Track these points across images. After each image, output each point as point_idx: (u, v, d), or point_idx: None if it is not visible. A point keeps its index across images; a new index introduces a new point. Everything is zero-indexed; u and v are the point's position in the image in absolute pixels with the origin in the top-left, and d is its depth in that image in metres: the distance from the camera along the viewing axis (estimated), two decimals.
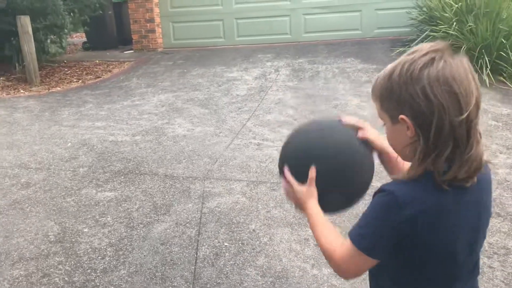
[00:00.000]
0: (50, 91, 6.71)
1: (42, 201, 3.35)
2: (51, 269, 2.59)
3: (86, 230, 2.97)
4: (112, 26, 10.05)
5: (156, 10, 8.82)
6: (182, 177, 3.63)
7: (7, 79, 7.23)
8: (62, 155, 4.15)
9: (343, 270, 1.14)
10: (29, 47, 6.77)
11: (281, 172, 1.30)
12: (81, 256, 2.70)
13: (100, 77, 7.34)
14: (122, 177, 3.67)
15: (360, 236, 1.08)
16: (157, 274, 2.52)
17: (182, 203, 3.24)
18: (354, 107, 5.01)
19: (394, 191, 1.03)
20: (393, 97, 1.03)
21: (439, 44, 1.03)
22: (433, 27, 6.21)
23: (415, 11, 7.11)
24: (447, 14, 6.09)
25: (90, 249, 2.76)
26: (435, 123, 0.98)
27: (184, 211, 3.14)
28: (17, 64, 7.40)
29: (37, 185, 3.60)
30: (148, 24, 8.81)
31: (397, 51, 6.33)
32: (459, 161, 1.00)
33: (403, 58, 1.04)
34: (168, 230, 2.92)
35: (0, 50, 7.25)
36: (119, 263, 2.62)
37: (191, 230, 2.91)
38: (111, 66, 7.99)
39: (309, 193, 1.23)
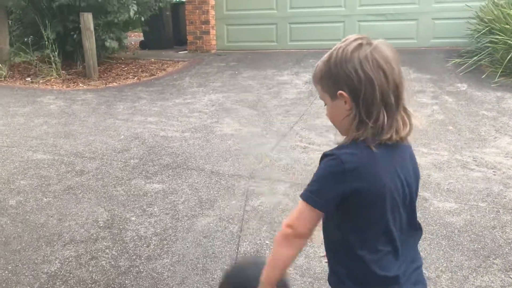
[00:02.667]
0: (107, 86, 6.99)
1: (94, 188, 3.50)
2: (99, 253, 2.71)
3: (133, 218, 3.09)
4: (169, 27, 10.33)
5: (212, 12, 9.01)
6: (227, 174, 3.70)
7: (68, 73, 7.59)
8: (115, 147, 4.32)
9: (296, 229, 1.26)
10: (90, 43, 7.09)
11: None
12: (127, 242, 2.81)
13: (155, 75, 7.57)
14: (170, 170, 3.79)
15: (309, 193, 1.25)
16: (198, 265, 2.59)
17: (226, 199, 3.31)
18: None
19: (339, 154, 1.22)
20: (331, 77, 1.24)
21: (363, 35, 1.26)
22: (492, 39, 6.02)
23: (474, 22, 6.91)
24: (508, 26, 5.88)
25: (136, 237, 2.87)
26: (366, 93, 1.19)
27: (228, 207, 3.20)
28: (78, 59, 7.77)
29: (90, 173, 3.77)
30: (203, 26, 9.01)
31: (453, 62, 6.17)
32: (389, 125, 1.21)
33: (336, 45, 1.26)
34: (211, 224, 2.99)
35: (63, 45, 7.64)
36: (163, 252, 2.71)
37: (234, 226, 2.96)
38: (165, 65, 8.23)
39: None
